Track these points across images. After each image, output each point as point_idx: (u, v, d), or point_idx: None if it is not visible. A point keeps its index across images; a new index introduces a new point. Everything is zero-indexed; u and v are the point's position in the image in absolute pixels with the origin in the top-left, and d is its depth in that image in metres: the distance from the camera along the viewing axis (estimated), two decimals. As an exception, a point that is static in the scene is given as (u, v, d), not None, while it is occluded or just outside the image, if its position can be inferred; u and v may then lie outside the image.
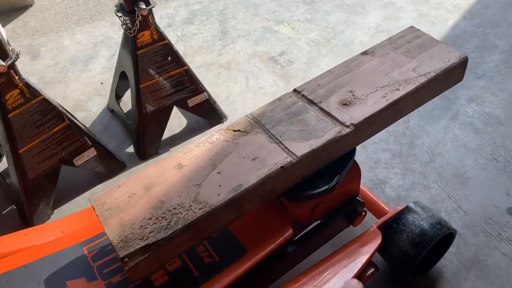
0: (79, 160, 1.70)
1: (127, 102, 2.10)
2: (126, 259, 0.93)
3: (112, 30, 2.72)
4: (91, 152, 1.73)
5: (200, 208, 1.00)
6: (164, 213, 1.00)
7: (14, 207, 1.71)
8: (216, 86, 2.20)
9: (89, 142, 1.71)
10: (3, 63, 1.41)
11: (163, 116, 1.87)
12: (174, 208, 1.01)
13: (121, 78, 1.95)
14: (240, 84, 2.21)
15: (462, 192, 1.62)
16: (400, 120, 1.90)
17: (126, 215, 1.00)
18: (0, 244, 1.16)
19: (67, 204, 1.72)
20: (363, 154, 1.78)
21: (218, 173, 1.07)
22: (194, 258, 1.12)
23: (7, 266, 1.08)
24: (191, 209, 1.00)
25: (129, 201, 1.03)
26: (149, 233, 0.96)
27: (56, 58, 2.53)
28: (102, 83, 2.30)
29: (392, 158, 1.76)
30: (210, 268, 1.10)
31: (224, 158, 1.10)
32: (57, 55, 2.56)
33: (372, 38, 2.40)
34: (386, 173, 1.71)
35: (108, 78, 2.30)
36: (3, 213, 1.72)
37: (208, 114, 1.96)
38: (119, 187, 1.07)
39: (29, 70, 2.44)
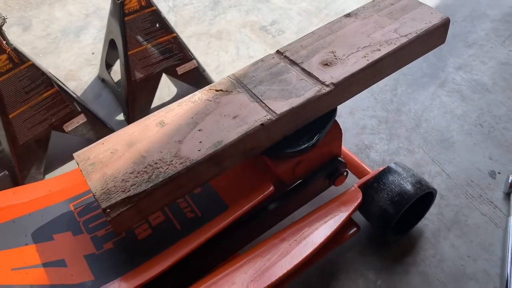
0: (69, 126, 1.72)
1: (118, 71, 2.11)
2: (108, 210, 0.96)
3: (104, 1, 2.71)
4: (81, 118, 1.75)
5: (181, 163, 1.03)
6: (146, 167, 1.03)
7: (6, 172, 1.74)
8: (207, 56, 2.21)
9: (78, 108, 1.73)
10: (-10, 27, 1.42)
11: (152, 84, 1.88)
12: (156, 163, 1.03)
13: (111, 47, 1.95)
14: (231, 54, 2.21)
15: (446, 156, 1.65)
16: (388, 87, 1.93)
17: (109, 170, 1.03)
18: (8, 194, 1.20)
19: (58, 170, 1.75)
20: (350, 120, 1.80)
21: (199, 130, 1.09)
22: (177, 213, 1.15)
23: (5, 217, 1.12)
24: (172, 164, 1.03)
25: (112, 157, 1.06)
26: (131, 186, 0.99)
27: (48, 29, 2.53)
28: (93, 53, 2.31)
29: (379, 124, 1.79)
30: (192, 223, 1.13)
31: (206, 116, 1.13)
32: (48, 26, 2.55)
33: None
34: (372, 138, 1.73)
35: (99, 48, 2.30)
36: (-5, 178, 1.76)
37: (197, 82, 1.97)
38: (102, 143, 1.10)
39: (20, 41, 2.44)
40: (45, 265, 1.04)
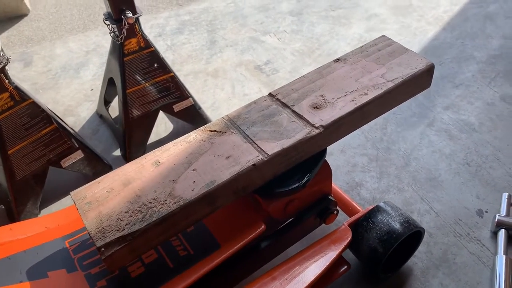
0: (66, 162, 1.76)
1: (115, 108, 2.17)
2: (103, 249, 0.98)
3: (104, 39, 2.80)
4: (78, 154, 1.79)
5: (175, 202, 1.06)
6: (140, 206, 1.06)
7: (2, 206, 1.76)
8: (203, 93, 2.27)
9: (76, 144, 1.77)
10: (-5, 66, 1.48)
11: (149, 121, 1.93)
12: (150, 202, 1.07)
13: (109, 84, 2.01)
14: (226, 91, 2.28)
15: (434, 194, 1.69)
16: (378, 126, 1.99)
17: (104, 209, 1.06)
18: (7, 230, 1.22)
19: (54, 205, 1.77)
20: (341, 158, 1.85)
21: (193, 170, 1.13)
22: (169, 251, 1.17)
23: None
24: (166, 203, 1.06)
25: (108, 196, 1.09)
26: (125, 225, 1.02)
27: (49, 65, 2.60)
28: (92, 89, 2.37)
29: (369, 162, 1.83)
30: (184, 261, 1.15)
31: (200, 156, 1.17)
32: (49, 62, 2.63)
33: (355, 48, 2.48)
34: (362, 176, 1.77)
35: (98, 85, 2.37)
36: (-9, 212, 1.78)
37: (193, 119, 2.02)
38: (99, 182, 1.13)
39: (21, 77, 2.50)
40: (38, 303, 1.05)
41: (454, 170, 1.78)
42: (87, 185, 1.13)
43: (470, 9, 2.77)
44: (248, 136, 1.20)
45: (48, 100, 2.31)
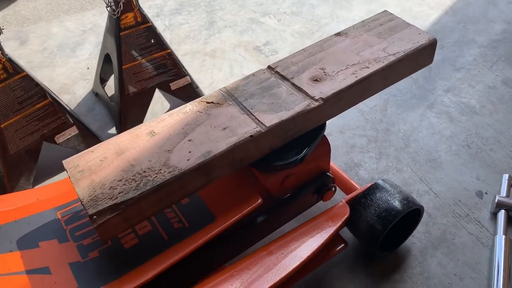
0: (60, 138, 1.73)
1: (111, 86, 2.13)
2: (95, 217, 0.96)
3: (101, 19, 2.75)
4: (73, 130, 1.75)
5: (170, 172, 1.03)
6: (134, 175, 1.03)
7: (-5, 182, 1.73)
8: (201, 73, 2.24)
9: (71, 120, 1.74)
10: (-14, 37, 1.44)
11: (146, 98, 1.90)
12: (144, 171, 1.04)
13: (105, 61, 1.98)
14: (224, 72, 2.24)
15: (434, 175, 1.67)
16: (378, 107, 1.96)
17: (97, 177, 1.03)
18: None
19: (47, 181, 1.74)
20: (340, 138, 1.82)
21: (189, 140, 1.10)
22: (164, 223, 1.15)
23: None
24: (161, 172, 1.03)
25: (101, 164, 1.06)
26: (118, 193, 1.00)
27: (44, 44, 2.56)
28: (88, 68, 2.33)
29: (368, 143, 1.81)
30: (179, 233, 1.13)
31: (196, 127, 1.14)
32: (45, 41, 2.58)
33: (356, 31, 2.44)
34: (361, 157, 1.75)
35: (94, 64, 2.33)
36: (-16, 188, 1.75)
37: (190, 98, 1.96)
38: (92, 151, 1.10)
39: (17, 55, 2.46)
40: (28, 272, 1.03)
41: (454, 152, 1.75)
42: (79, 153, 1.10)
43: (473, -6, 2.73)
44: (245, 107, 1.17)
45: (43, 78, 2.27)
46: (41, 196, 1.26)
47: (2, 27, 1.52)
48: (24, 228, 1.12)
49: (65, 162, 1.07)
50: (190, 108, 1.19)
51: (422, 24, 2.50)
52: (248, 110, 1.16)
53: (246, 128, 1.11)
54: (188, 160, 1.05)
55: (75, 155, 1.09)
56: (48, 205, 1.20)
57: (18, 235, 1.10)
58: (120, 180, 1.02)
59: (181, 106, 1.20)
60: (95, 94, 2.14)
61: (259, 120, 1.13)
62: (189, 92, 1.97)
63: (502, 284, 1.30)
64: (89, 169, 1.05)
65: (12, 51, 2.50)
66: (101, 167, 1.06)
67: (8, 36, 2.63)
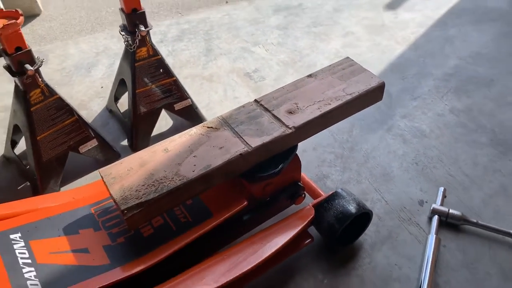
0: (83, 148, 2.06)
1: (123, 104, 2.47)
2: (125, 211, 1.30)
3: (112, 42, 3.09)
4: (93, 143, 2.09)
5: (180, 180, 1.38)
6: (153, 182, 1.38)
7: (28, 183, 2.06)
8: (199, 95, 2.59)
9: (92, 134, 2.08)
10: (31, 68, 1.78)
11: (153, 117, 2.25)
12: (161, 179, 1.39)
13: (120, 84, 2.32)
14: (219, 94, 2.60)
15: (386, 187, 2.04)
16: (345, 129, 2.33)
17: (126, 182, 1.37)
18: (33, 203, 1.52)
19: (71, 184, 2.07)
20: (313, 154, 2.19)
21: (194, 156, 1.45)
22: (173, 218, 1.50)
23: (36, 217, 1.44)
24: (173, 180, 1.38)
25: (128, 173, 1.41)
26: (142, 194, 1.34)
27: (63, 63, 2.89)
28: (102, 87, 2.67)
29: (336, 158, 2.18)
30: (184, 226, 1.48)
31: (199, 146, 1.49)
32: (63, 61, 2.92)
33: (332, 62, 2.82)
34: (329, 170, 2.12)
35: (107, 83, 2.68)
36: (18, 188, 2.07)
37: (190, 117, 2.34)
38: (121, 163, 1.45)
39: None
40: (73, 251, 1.37)
41: (404, 168, 2.13)
42: (111, 165, 1.44)
43: (433, 32, 3.14)
44: (237, 132, 1.53)
45: (63, 94, 2.59)
46: (76, 196, 1.60)
47: (42, 59, 1.86)
48: (67, 219, 1.46)
49: (100, 171, 1.41)
50: (195, 131, 1.55)
51: (389, 57, 2.90)
52: (239, 134, 1.52)
53: (237, 148, 1.47)
54: (193, 171, 1.40)
55: (108, 166, 1.43)
56: (83, 203, 1.54)
57: (63, 225, 1.44)
58: (143, 185, 1.37)
59: (187, 130, 1.55)
60: (109, 111, 2.48)
61: (247, 142, 1.49)
62: (190, 112, 2.33)
63: (429, 272, 1.66)
64: (120, 176, 1.40)
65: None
66: (128, 175, 1.40)
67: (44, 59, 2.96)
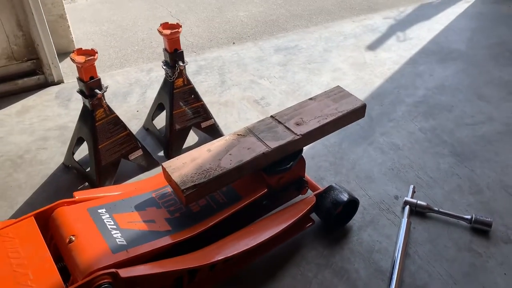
0: (132, 156, 2.55)
1: (156, 123, 2.97)
2: (185, 190, 1.78)
3: (141, 75, 3.63)
4: (139, 152, 2.58)
5: (221, 170, 1.87)
6: (202, 171, 1.87)
7: (87, 184, 2.53)
8: (217, 117, 3.10)
9: (139, 145, 2.57)
10: (100, 92, 2.29)
11: (185, 133, 2.75)
12: (207, 169, 1.88)
13: (157, 108, 2.83)
14: (234, 117, 3.13)
15: (369, 186, 2.55)
16: (336, 143, 2.86)
17: (183, 171, 1.86)
18: (109, 190, 2.00)
19: (122, 184, 2.54)
20: (311, 162, 2.70)
21: (229, 154, 1.95)
22: (213, 199, 1.97)
23: (114, 199, 1.92)
24: (216, 170, 1.87)
25: (183, 165, 1.90)
26: (195, 179, 1.82)
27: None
28: (137, 111, 3.17)
29: (329, 165, 2.69)
30: (221, 205, 1.95)
31: (233, 147, 1.99)
32: (102, 90, 3.43)
33: (324, 91, 3.38)
34: (324, 173, 2.63)
35: (142, 108, 3.19)
36: (78, 188, 2.53)
37: (213, 133, 2.85)
38: (177, 159, 1.94)
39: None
40: (144, 221, 1.83)
41: (383, 172, 2.65)
42: (170, 160, 1.93)
43: (406, 68, 3.74)
44: (259, 138, 2.04)
45: (106, 117, 3.09)
46: (137, 186, 2.09)
47: (106, 86, 2.37)
48: (136, 201, 1.93)
49: (164, 164, 1.90)
50: (228, 137, 2.06)
51: (369, 88, 3.47)
52: (261, 139, 2.03)
53: (260, 149, 1.98)
54: (230, 164, 1.90)
55: (168, 160, 1.92)
56: (145, 191, 2.02)
57: (134, 204, 1.91)
58: (195, 173, 1.86)
59: (223, 136, 2.06)
60: (146, 129, 2.98)
61: (267, 145, 2.00)
62: (213, 130, 2.84)
63: (402, 246, 2.15)
64: (177, 167, 1.89)
65: (79, 96, 3.32)
66: (183, 167, 1.90)
67: (75, 85, 3.47)
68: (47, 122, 3.08)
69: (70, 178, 2.60)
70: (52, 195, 2.47)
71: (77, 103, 3.26)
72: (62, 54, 4.04)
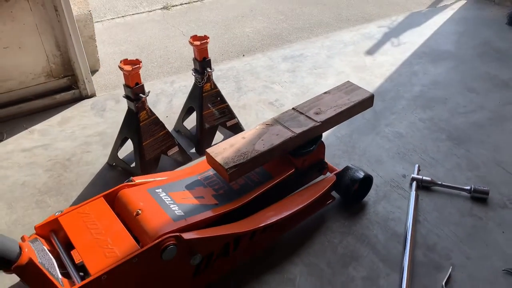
0: (170, 152, 2.86)
1: (185, 125, 3.29)
2: (227, 169, 2.09)
3: (166, 86, 3.96)
4: (176, 149, 2.89)
5: (256, 152, 2.18)
6: (241, 154, 2.17)
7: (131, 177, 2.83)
8: (238, 118, 3.43)
9: (175, 142, 2.89)
10: (144, 96, 2.62)
11: (213, 131, 3.07)
12: (244, 153, 2.18)
13: (187, 111, 3.16)
14: (252, 117, 3.45)
15: (380, 168, 2.86)
16: (347, 134, 3.18)
17: (225, 155, 2.17)
18: (160, 176, 2.31)
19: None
20: (327, 151, 2.97)
21: (261, 140, 2.27)
22: (249, 178, 2.27)
23: (167, 181, 2.22)
24: (252, 153, 2.18)
25: (224, 150, 2.20)
26: (236, 160, 2.13)
27: (132, 102, 3.72)
28: (167, 117, 3.50)
29: (342, 153, 3.01)
30: (256, 183, 2.25)
31: (264, 134, 2.31)
32: (132, 100, 3.75)
33: (331, 92, 3.72)
34: (339, 160, 2.94)
35: (170, 114, 3.51)
36: (124, 181, 2.83)
37: (237, 131, 3.15)
38: (218, 146, 2.25)
39: (117, 109, 3.62)
40: (195, 197, 2.13)
41: (391, 156, 2.96)
42: (213, 146, 2.24)
43: (403, 68, 4.09)
44: (286, 126, 2.36)
45: (138, 123, 3.41)
46: (184, 172, 2.39)
47: (148, 91, 2.70)
48: (186, 182, 2.24)
49: (208, 150, 2.21)
50: (259, 127, 2.38)
51: (372, 87, 3.81)
52: (287, 127, 2.35)
53: (287, 134, 2.30)
54: (263, 147, 2.22)
55: (212, 147, 2.24)
56: (191, 174, 2.33)
57: (184, 184, 2.22)
58: (235, 156, 2.17)
59: (255, 126, 2.38)
60: (176, 131, 3.30)
61: (293, 131, 2.32)
62: (237, 128, 3.15)
63: (413, 215, 2.45)
64: (219, 152, 2.20)
65: (113, 106, 3.66)
66: (224, 151, 2.20)
67: (106, 97, 3.81)
68: (86, 130, 3.40)
69: (116, 175, 2.91)
70: (102, 189, 2.76)
71: (111, 113, 3.58)
72: (91, 71, 4.38)
